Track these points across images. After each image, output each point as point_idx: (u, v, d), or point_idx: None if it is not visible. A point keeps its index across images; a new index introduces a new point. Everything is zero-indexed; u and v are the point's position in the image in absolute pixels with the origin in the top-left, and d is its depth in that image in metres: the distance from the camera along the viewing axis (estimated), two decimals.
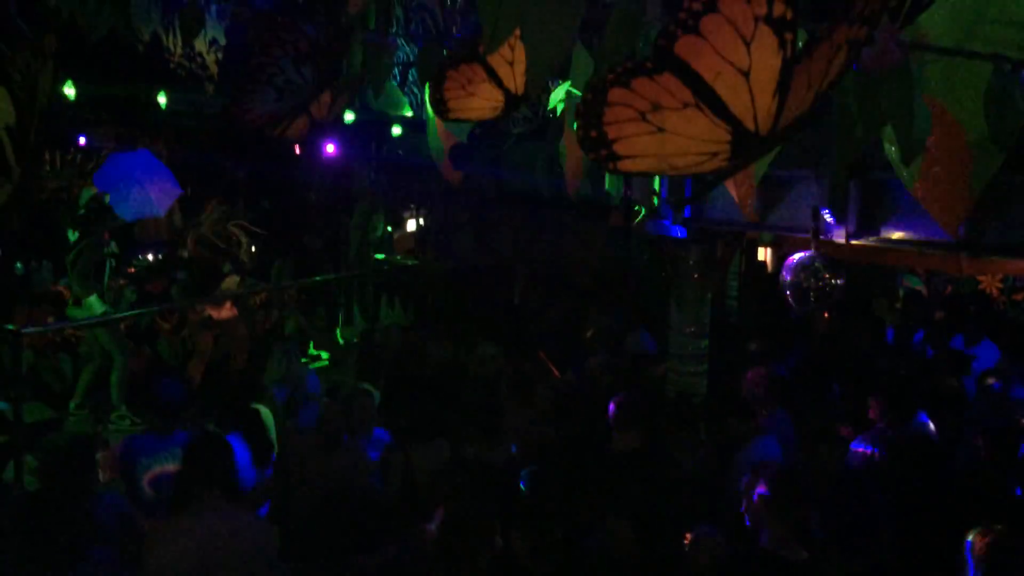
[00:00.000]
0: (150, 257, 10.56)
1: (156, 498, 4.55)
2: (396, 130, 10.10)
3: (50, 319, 8.13)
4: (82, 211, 8.26)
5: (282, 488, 5.00)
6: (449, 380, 6.47)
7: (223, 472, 3.75)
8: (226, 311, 8.46)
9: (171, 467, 4.55)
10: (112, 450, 4.86)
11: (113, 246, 8.29)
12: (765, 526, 3.59)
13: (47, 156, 9.98)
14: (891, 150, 2.71)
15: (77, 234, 8.39)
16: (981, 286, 10.45)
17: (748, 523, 3.71)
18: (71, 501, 3.88)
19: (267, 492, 5.00)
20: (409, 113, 8.27)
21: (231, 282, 8.75)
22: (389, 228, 12.56)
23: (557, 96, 4.32)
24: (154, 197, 9.67)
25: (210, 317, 8.24)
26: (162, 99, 9.61)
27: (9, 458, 5.70)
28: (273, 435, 5.66)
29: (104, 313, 7.91)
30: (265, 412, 5.66)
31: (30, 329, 7.19)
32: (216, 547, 3.52)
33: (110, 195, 8.17)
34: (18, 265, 9.46)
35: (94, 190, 8.45)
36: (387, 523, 4.00)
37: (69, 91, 7.94)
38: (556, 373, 6.59)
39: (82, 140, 11.32)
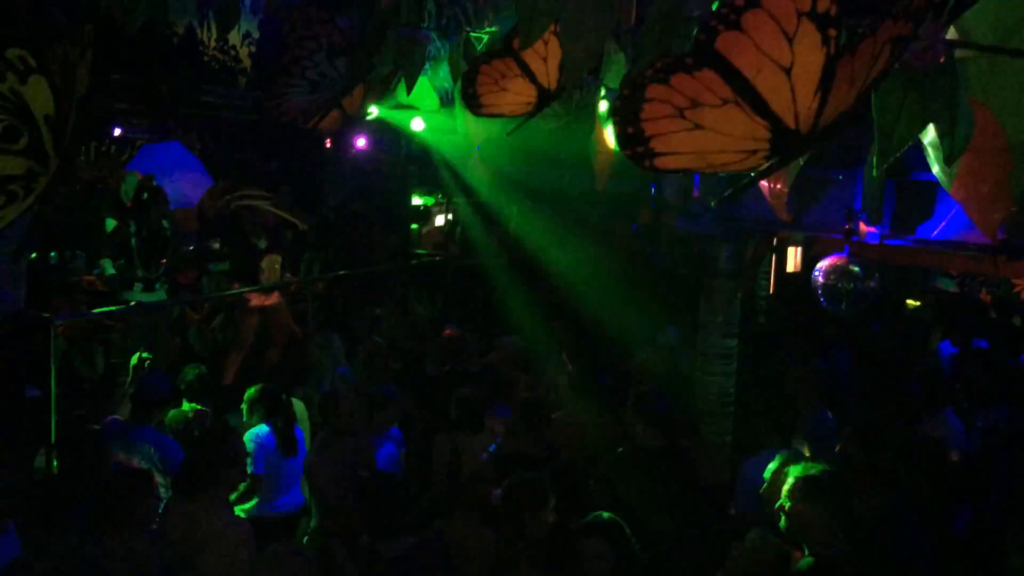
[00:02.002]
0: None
1: None
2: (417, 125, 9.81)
3: (83, 308, 8.23)
4: (128, 199, 8.31)
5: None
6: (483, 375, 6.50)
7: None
8: (272, 297, 8.51)
9: (123, 457, 4.62)
10: None
11: (167, 230, 8.36)
12: (803, 528, 3.53)
13: (82, 147, 10.09)
14: (931, 150, 2.67)
15: (114, 223, 8.47)
16: (1016, 288, 10.27)
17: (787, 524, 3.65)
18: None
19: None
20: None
21: (272, 261, 8.74)
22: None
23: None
24: (186, 188, 9.78)
25: (252, 303, 8.31)
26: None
27: (40, 445, 5.77)
28: (307, 425, 5.72)
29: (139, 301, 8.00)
30: (297, 403, 5.72)
31: (63, 317, 7.28)
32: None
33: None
34: (52, 254, 9.57)
35: (138, 176, 8.51)
36: (405, 512, 4.05)
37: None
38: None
39: (117, 131, 11.44)
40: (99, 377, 7.74)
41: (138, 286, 8.13)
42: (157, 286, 8.31)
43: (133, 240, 7.86)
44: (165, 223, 8.15)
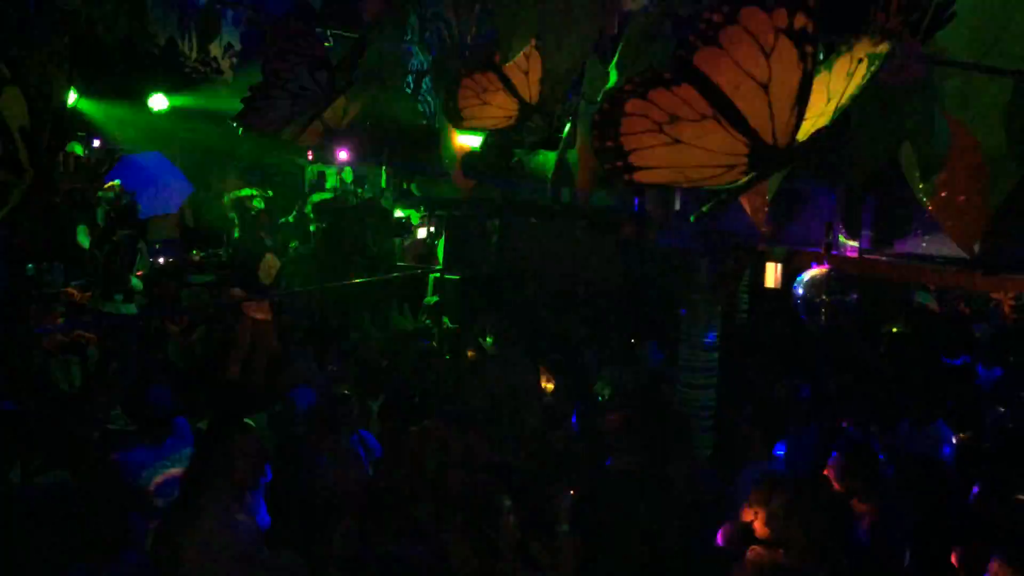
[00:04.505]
0: (161, 260, 10.59)
1: (161, 504, 4.58)
2: None
3: (60, 320, 8.15)
4: (101, 222, 8.29)
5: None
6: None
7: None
8: (263, 313, 8.45)
9: (173, 472, 4.60)
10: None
11: (142, 244, 8.34)
12: (786, 541, 3.56)
13: (60, 158, 10.01)
14: (909, 166, 2.69)
15: (89, 241, 8.43)
16: (992, 304, 10.36)
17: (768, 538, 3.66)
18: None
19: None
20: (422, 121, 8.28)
21: (272, 262, 8.65)
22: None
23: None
24: (167, 195, 9.76)
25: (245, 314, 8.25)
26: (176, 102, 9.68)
27: (16, 458, 5.70)
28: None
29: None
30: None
31: (40, 330, 7.23)
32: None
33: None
34: (30, 266, 9.49)
35: (111, 194, 8.48)
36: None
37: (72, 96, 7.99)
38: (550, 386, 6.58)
39: (96, 142, 11.38)
40: (77, 390, 7.66)
41: (118, 298, 8.09)
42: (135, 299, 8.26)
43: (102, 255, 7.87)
44: (142, 242, 8.16)
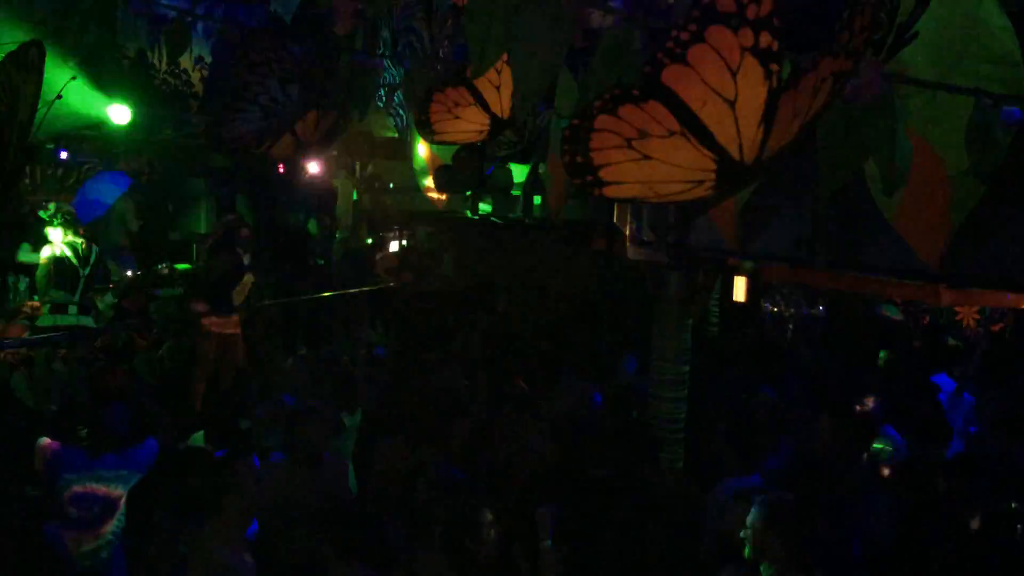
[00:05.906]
0: (128, 273, 10.47)
1: (76, 514, 4.54)
2: None
3: (27, 333, 8.04)
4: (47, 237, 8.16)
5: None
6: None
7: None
8: (231, 326, 8.30)
9: (96, 488, 4.57)
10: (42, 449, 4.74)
11: (109, 263, 8.24)
12: (765, 556, 3.58)
13: (27, 170, 9.91)
14: (873, 181, 2.74)
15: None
16: (958, 317, 10.50)
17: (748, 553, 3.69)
18: None
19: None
20: (394, 134, 8.27)
21: (247, 281, 8.50)
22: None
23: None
24: (102, 193, 9.64)
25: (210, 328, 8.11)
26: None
27: None
28: None
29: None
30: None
31: (7, 344, 7.14)
32: None
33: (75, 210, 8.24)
34: None
35: (51, 207, 8.41)
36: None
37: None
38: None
39: (63, 154, 11.24)
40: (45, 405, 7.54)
41: (73, 310, 8.00)
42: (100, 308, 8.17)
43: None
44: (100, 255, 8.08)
